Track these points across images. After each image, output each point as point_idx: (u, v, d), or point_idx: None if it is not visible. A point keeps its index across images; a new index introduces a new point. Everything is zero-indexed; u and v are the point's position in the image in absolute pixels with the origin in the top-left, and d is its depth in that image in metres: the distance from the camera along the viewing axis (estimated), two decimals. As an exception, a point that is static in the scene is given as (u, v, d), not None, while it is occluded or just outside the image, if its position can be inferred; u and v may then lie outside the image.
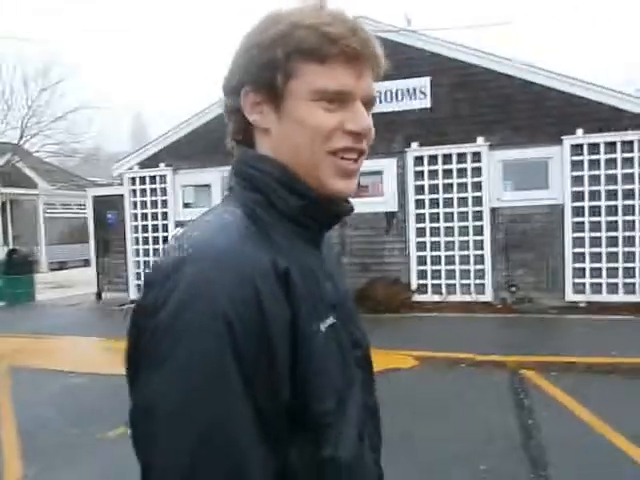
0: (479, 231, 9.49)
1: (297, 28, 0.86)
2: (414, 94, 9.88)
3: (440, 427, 4.65)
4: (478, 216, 9.49)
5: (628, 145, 8.70)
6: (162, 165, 11.49)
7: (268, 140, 0.93)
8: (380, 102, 9.95)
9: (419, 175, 9.77)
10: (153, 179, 11.60)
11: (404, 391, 5.59)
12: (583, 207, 8.94)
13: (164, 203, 11.54)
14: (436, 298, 9.70)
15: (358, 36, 0.88)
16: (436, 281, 9.75)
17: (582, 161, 8.92)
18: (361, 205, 10.12)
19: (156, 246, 11.51)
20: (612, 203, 8.79)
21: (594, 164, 8.87)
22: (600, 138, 8.78)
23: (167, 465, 0.74)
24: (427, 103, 9.76)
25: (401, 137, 9.89)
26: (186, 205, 11.52)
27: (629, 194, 8.71)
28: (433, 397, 5.39)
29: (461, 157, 9.57)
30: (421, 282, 9.80)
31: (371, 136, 0.93)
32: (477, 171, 9.48)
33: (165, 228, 11.48)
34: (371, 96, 0.94)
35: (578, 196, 8.96)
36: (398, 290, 9.72)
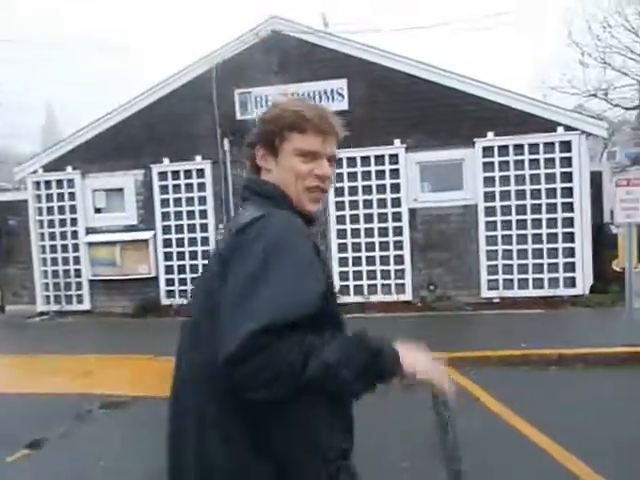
0: (398, 232, 9.62)
1: (285, 111, 1.51)
2: (332, 96, 9.89)
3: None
4: (397, 217, 9.62)
5: (534, 147, 9.10)
6: (69, 168, 10.86)
7: (270, 176, 1.53)
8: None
9: (339, 177, 9.78)
10: (60, 183, 10.95)
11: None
12: (495, 207, 9.27)
13: (73, 208, 10.92)
14: (358, 299, 9.75)
15: (324, 118, 1.52)
16: (358, 282, 9.80)
17: (493, 162, 9.26)
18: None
19: (65, 254, 10.90)
20: (521, 202, 9.17)
21: (504, 165, 9.22)
22: (509, 140, 9.15)
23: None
24: (345, 105, 9.80)
25: (320, 139, 9.85)
26: (97, 210, 10.96)
27: (537, 194, 9.12)
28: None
29: (379, 159, 9.68)
30: (343, 283, 9.81)
31: (331, 180, 1.56)
32: (395, 173, 9.62)
33: (75, 235, 10.88)
34: (332, 154, 1.56)
35: (490, 196, 9.28)
36: (320, 292, 9.67)
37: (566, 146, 9.00)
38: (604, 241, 9.11)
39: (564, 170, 9.03)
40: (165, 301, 10.47)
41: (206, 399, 1.33)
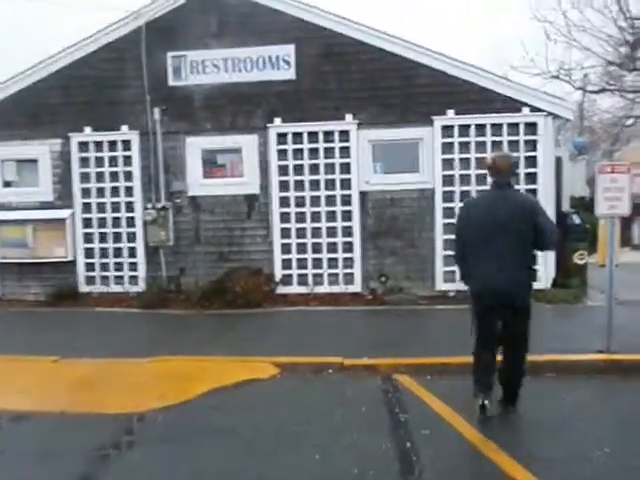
0: (348, 217, 8.74)
1: None
2: (277, 63, 8.84)
3: (300, 463, 3.70)
4: (347, 200, 8.73)
5: (498, 128, 8.38)
6: (-30, 136, 9.38)
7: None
8: (239, 70, 8.84)
9: (283, 154, 8.80)
10: (-40, 152, 9.46)
11: (259, 412, 4.57)
12: (454, 191, 8.52)
13: (-24, 182, 9.46)
14: (302, 290, 8.83)
15: None
16: (302, 271, 8.87)
17: (452, 143, 8.48)
18: (218, 187, 8.96)
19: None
20: (483, 188, 8.42)
21: (465, 147, 8.46)
22: (471, 120, 8.38)
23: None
24: (291, 74, 8.78)
25: (262, 111, 8.83)
26: (7, 184, 9.55)
27: (498, 178, 8.41)
28: (293, 419, 4.41)
29: (328, 135, 8.73)
30: (286, 272, 8.87)
31: None
32: (345, 151, 8.71)
33: (-20, 212, 9.44)
34: None
35: (449, 180, 8.51)
36: (260, 282, 8.71)
37: (531, 128, 8.31)
38: (566, 232, 8.50)
39: (528, 154, 8.34)
40: (84, 288, 9.23)
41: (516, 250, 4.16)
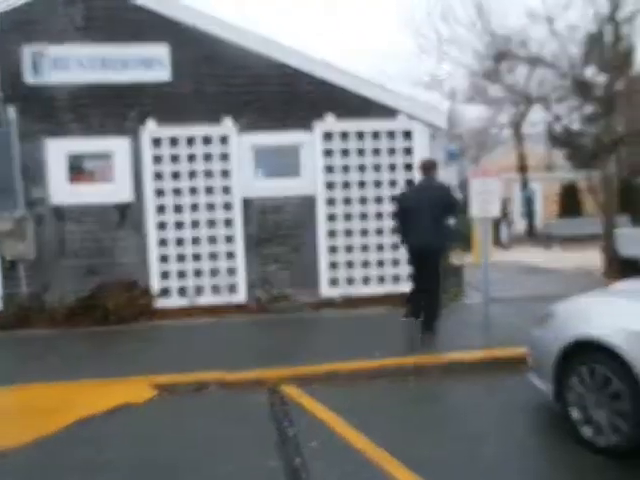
0: (230, 224, 8.42)
1: None
2: (151, 64, 8.34)
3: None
4: (228, 207, 8.42)
5: (376, 135, 8.51)
6: None
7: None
8: (109, 69, 8.23)
9: (158, 159, 8.30)
10: None
11: (133, 442, 4.14)
12: (335, 197, 8.51)
13: None
14: (183, 302, 8.37)
15: None
16: (182, 282, 8.41)
17: (333, 149, 8.49)
18: (86, 194, 8.25)
19: None
20: (363, 194, 8.54)
21: (345, 153, 8.50)
22: (350, 126, 8.44)
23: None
24: (167, 76, 8.31)
25: (136, 114, 8.27)
26: None
27: (379, 185, 8.55)
28: (171, 447, 4.03)
29: (207, 140, 8.37)
30: (164, 285, 8.35)
31: None
32: (226, 157, 8.40)
33: None
34: None
35: (330, 186, 8.50)
36: (135, 295, 8.11)
37: (407, 136, 8.53)
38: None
39: (406, 161, 8.55)
40: None
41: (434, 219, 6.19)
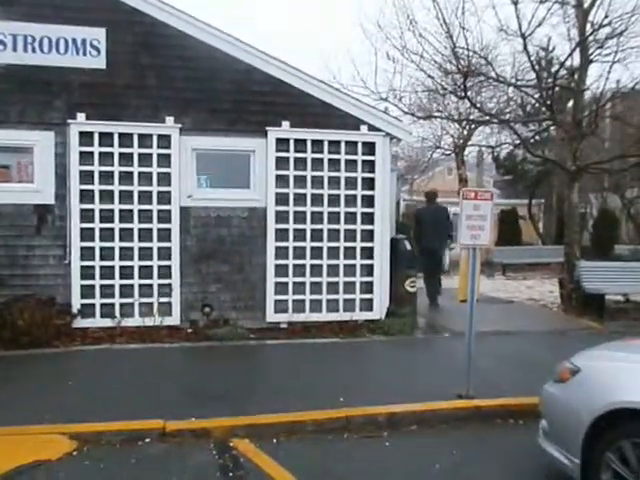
0: (166, 236, 7.43)
1: None
2: (83, 48, 7.28)
3: None
4: (165, 217, 7.43)
5: (335, 145, 7.79)
6: None
7: None
8: (32, 51, 7.12)
9: (87, 158, 7.21)
10: None
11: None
12: (287, 212, 7.71)
13: None
14: (107, 323, 7.28)
15: None
16: (107, 300, 7.32)
17: (288, 158, 7.69)
18: (-3, 193, 7.04)
19: None
20: (318, 209, 7.78)
21: (301, 163, 7.73)
22: (308, 134, 7.68)
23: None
24: (101, 63, 7.28)
25: (62, 104, 7.18)
26: None
27: (335, 200, 7.82)
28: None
29: (145, 139, 7.37)
30: (86, 302, 7.23)
31: None
32: (165, 159, 7.42)
33: None
34: None
35: (283, 199, 7.69)
36: (52, 314, 6.94)
37: (369, 148, 7.87)
38: (396, 259, 8.19)
39: (366, 175, 7.88)
40: None
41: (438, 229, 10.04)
